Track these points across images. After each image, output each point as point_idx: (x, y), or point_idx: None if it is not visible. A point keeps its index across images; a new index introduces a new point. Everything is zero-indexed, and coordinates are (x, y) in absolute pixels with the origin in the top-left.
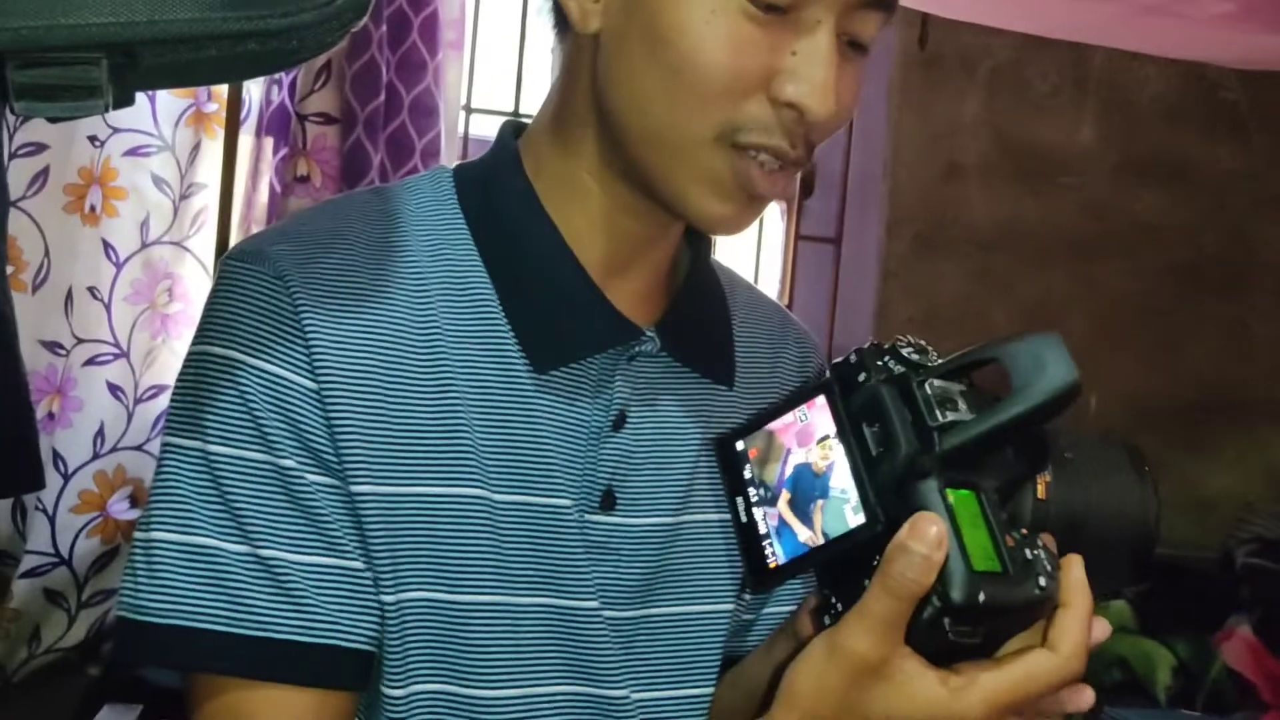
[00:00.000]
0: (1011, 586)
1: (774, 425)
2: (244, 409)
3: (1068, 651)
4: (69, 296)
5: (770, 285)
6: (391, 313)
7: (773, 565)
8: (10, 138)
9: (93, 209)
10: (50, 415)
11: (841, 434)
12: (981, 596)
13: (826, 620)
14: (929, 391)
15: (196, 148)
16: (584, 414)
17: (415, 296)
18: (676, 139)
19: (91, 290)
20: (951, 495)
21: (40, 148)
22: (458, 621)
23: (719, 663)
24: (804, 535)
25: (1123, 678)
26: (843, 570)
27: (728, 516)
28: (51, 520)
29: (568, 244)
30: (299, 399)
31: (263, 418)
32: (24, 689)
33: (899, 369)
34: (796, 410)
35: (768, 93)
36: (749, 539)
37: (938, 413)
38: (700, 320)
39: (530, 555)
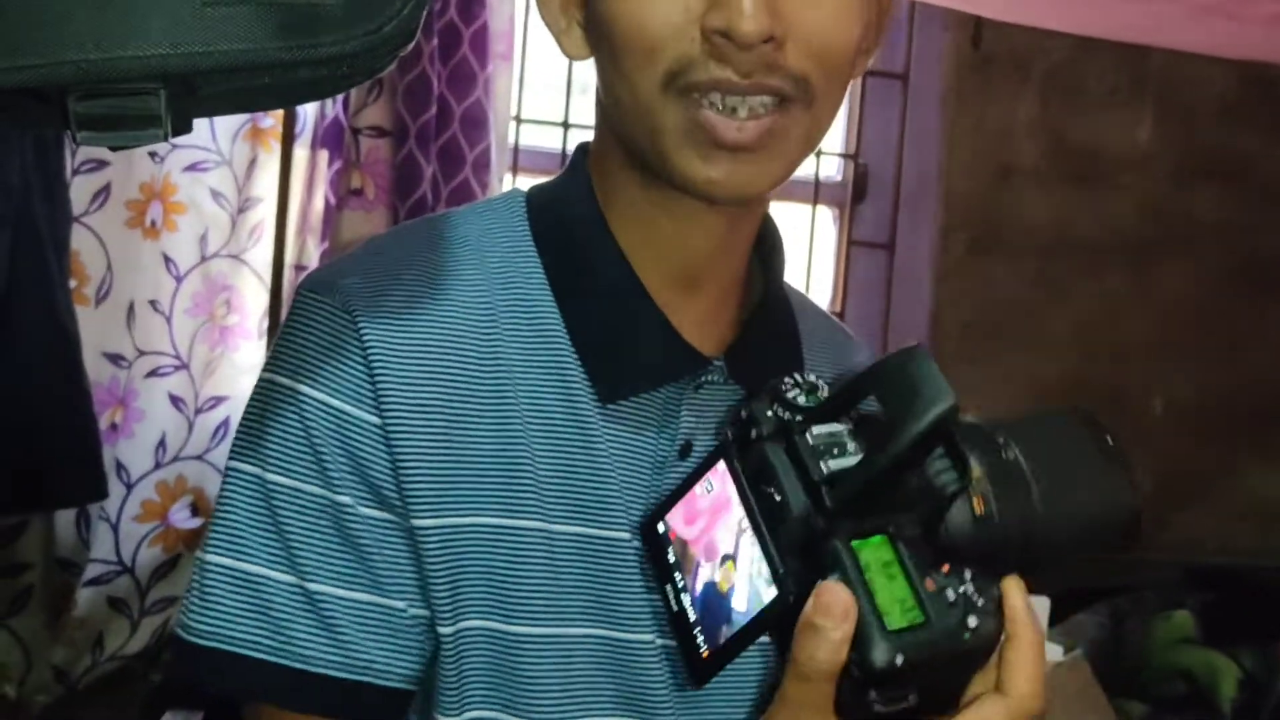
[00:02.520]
0: (937, 637)
1: (686, 500)
2: (305, 441)
3: (1021, 691)
4: (131, 310)
5: (823, 291)
6: (458, 343)
7: (705, 654)
8: (73, 155)
9: (153, 224)
10: (113, 426)
11: (744, 501)
12: (900, 659)
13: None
14: (810, 441)
15: (253, 162)
16: (649, 444)
17: (482, 325)
18: (637, 106)
19: (152, 303)
20: (859, 547)
21: (101, 164)
22: (513, 652)
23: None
24: (729, 617)
25: (1186, 690)
26: (784, 642)
27: None
28: (115, 529)
29: (634, 269)
30: (362, 434)
31: (323, 451)
32: (88, 696)
33: (785, 416)
34: (703, 480)
35: (701, 31)
36: (681, 629)
37: (821, 464)
38: (770, 346)
39: (586, 587)
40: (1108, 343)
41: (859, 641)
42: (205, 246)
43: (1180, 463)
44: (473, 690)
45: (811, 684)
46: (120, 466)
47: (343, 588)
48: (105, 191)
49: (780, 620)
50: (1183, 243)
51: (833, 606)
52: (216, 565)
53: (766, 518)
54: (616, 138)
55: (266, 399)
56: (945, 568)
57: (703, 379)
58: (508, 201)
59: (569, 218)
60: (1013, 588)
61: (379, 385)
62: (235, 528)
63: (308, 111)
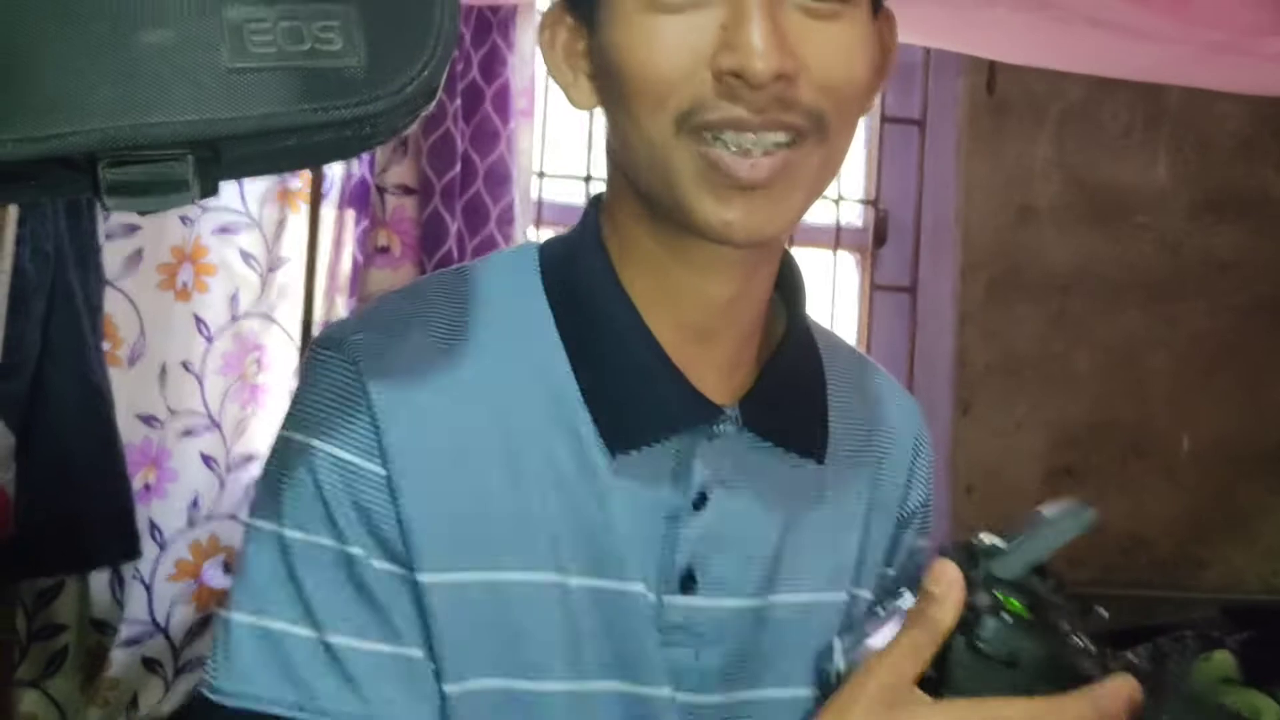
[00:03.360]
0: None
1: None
2: (317, 494)
3: (1104, 705)
4: (163, 371)
5: (847, 336)
6: (466, 396)
7: None
8: (105, 221)
9: (184, 286)
10: (146, 486)
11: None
12: (1027, 583)
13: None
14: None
15: (282, 223)
16: (662, 495)
17: (491, 378)
18: (649, 150)
19: (184, 364)
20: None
21: (133, 229)
22: (530, 710)
23: None
24: None
25: None
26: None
27: (817, 597)
28: (149, 589)
29: (644, 320)
30: (368, 485)
31: (333, 504)
32: None
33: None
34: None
35: (712, 73)
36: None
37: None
38: (791, 392)
39: (603, 640)
40: (1131, 381)
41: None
42: (236, 306)
43: (1212, 501)
44: None
45: (921, 633)
46: (154, 526)
47: (361, 640)
48: (138, 255)
49: None
50: (1203, 279)
51: (943, 573)
52: (239, 623)
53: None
54: (629, 186)
55: (281, 456)
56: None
57: (716, 428)
58: (521, 255)
59: (580, 270)
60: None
61: (384, 436)
62: (255, 585)
63: (335, 172)
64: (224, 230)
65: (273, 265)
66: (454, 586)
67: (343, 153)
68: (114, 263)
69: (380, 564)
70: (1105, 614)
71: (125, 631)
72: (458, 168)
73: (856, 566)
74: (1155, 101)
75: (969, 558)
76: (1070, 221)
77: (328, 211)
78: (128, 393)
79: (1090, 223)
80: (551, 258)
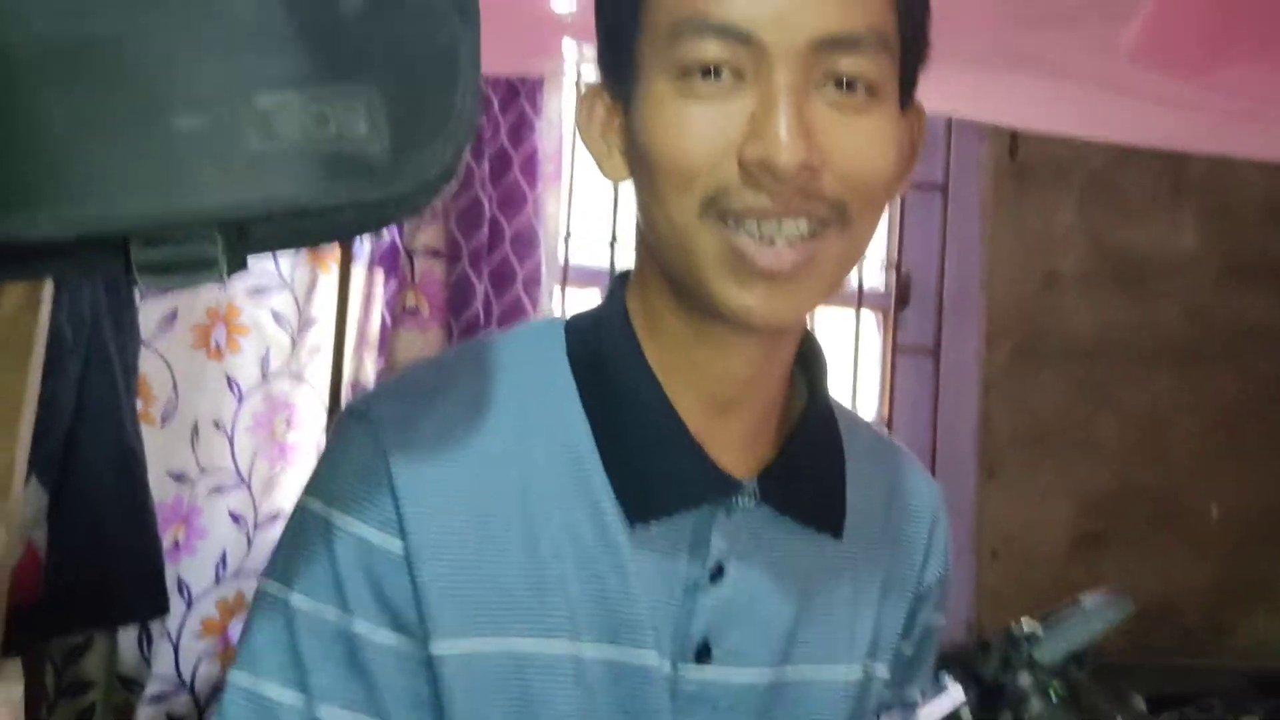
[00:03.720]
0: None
1: None
2: (330, 566)
3: None
4: (195, 429)
5: (869, 397)
6: (488, 466)
7: None
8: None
9: (217, 345)
10: (176, 544)
11: None
12: (1066, 669)
13: None
14: None
15: (313, 284)
16: (680, 567)
17: (514, 448)
18: (674, 231)
19: (215, 422)
20: None
21: (169, 290)
22: None
23: None
24: None
25: None
26: None
27: (830, 670)
28: (175, 646)
29: (667, 395)
30: (384, 560)
31: (346, 577)
32: None
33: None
34: None
35: (739, 161)
36: None
37: None
38: (809, 467)
39: (617, 709)
40: (1158, 449)
41: None
42: (267, 366)
43: (1240, 569)
44: None
45: None
46: (181, 584)
47: (349, 712)
48: (172, 316)
49: None
50: (1229, 345)
51: None
52: (237, 685)
53: None
54: (655, 264)
55: (299, 523)
56: None
57: (735, 502)
58: (547, 329)
59: (605, 343)
60: None
61: (404, 512)
62: (257, 648)
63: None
64: (257, 292)
65: (303, 326)
66: (469, 656)
67: (365, 228)
68: (149, 323)
69: (386, 636)
70: (1142, 702)
71: (152, 688)
72: (485, 231)
73: (872, 641)
74: (1180, 168)
75: (1011, 642)
76: (1095, 288)
77: (358, 272)
78: (160, 450)
79: (1115, 289)
80: (577, 331)
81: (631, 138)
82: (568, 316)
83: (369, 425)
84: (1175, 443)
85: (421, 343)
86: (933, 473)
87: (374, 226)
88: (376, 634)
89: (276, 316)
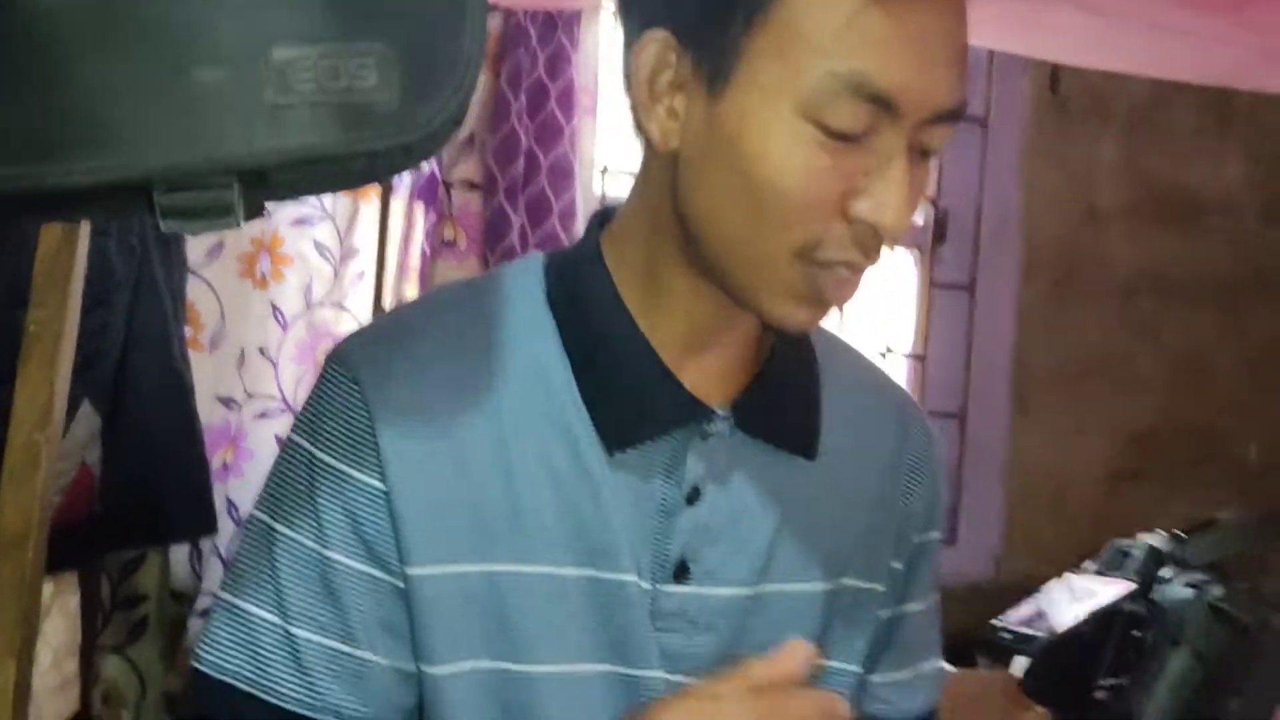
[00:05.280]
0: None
1: None
2: (310, 498)
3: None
4: (242, 356)
5: (905, 333)
6: (465, 399)
7: None
8: None
9: (263, 275)
10: (224, 465)
11: None
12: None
13: None
14: None
15: (354, 215)
16: (655, 490)
17: (491, 386)
18: (757, 254)
19: (261, 349)
20: None
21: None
22: (524, 690)
23: None
24: None
25: None
26: None
27: (809, 587)
28: (225, 564)
29: (642, 330)
30: (361, 494)
31: (324, 509)
32: None
33: None
34: None
35: (843, 212)
36: None
37: None
38: (782, 394)
39: (597, 626)
40: (1197, 386)
41: None
42: (310, 296)
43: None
44: None
45: None
46: (230, 504)
47: (320, 635)
48: (219, 246)
49: None
50: (1274, 282)
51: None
52: (222, 601)
53: None
54: (675, 238)
55: (286, 456)
56: None
57: (709, 429)
58: (525, 267)
59: (580, 283)
60: None
61: (384, 452)
62: (241, 568)
63: None
64: (300, 222)
65: (345, 256)
66: (447, 576)
67: (376, 176)
68: (196, 252)
69: (359, 565)
70: None
71: (202, 602)
72: (521, 163)
73: (848, 556)
74: (1225, 102)
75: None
76: (1137, 223)
77: (398, 205)
78: (209, 375)
79: (1157, 224)
80: (554, 269)
81: (720, 132)
82: (545, 256)
83: (349, 366)
84: (1215, 380)
85: (459, 274)
86: (966, 409)
87: (385, 174)
88: (351, 564)
89: (319, 247)
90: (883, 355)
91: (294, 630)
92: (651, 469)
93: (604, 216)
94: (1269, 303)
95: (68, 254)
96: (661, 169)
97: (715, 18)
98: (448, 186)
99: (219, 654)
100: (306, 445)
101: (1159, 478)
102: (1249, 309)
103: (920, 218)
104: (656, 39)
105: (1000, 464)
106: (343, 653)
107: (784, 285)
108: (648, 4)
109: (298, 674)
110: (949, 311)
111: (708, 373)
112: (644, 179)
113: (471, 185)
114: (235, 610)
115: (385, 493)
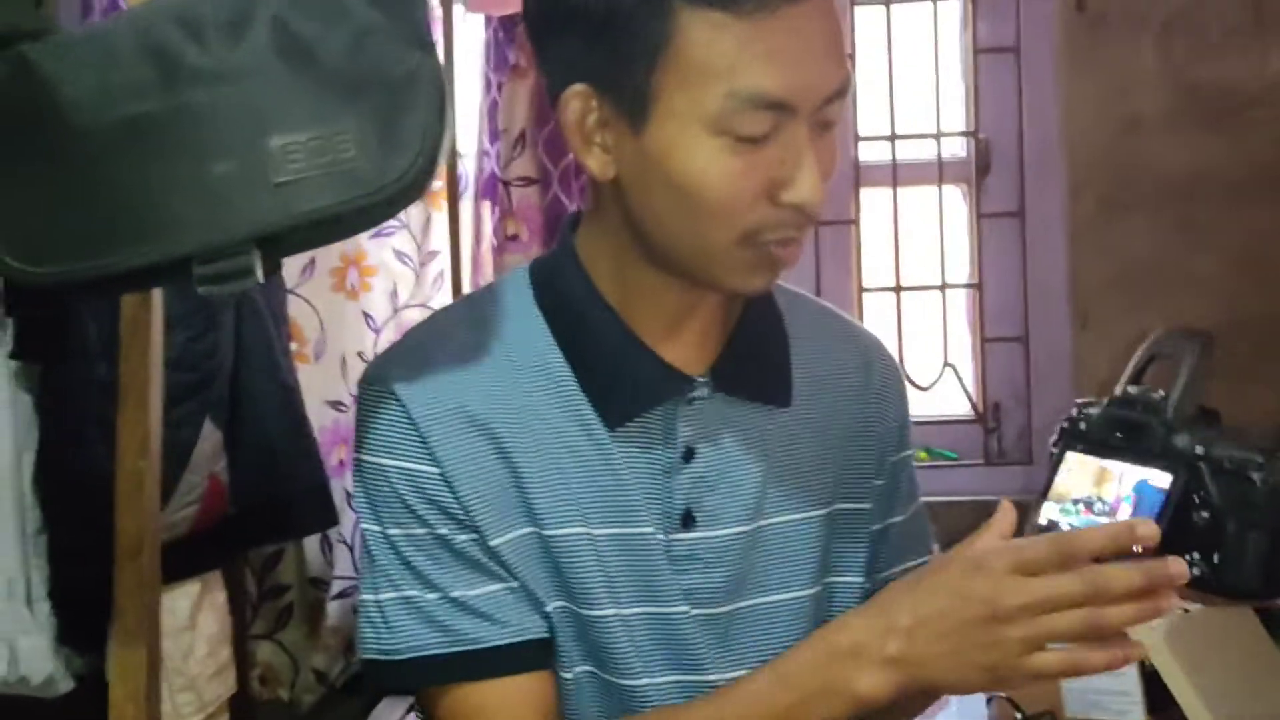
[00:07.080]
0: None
1: None
2: (397, 498)
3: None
4: (343, 361)
5: (958, 267)
6: (486, 398)
7: None
8: None
9: (352, 286)
10: (340, 462)
11: None
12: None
13: None
14: None
15: (428, 221)
16: (656, 455)
17: (509, 383)
18: (706, 249)
19: (359, 354)
20: None
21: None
22: (589, 628)
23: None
24: None
25: None
26: None
27: (803, 516)
28: (351, 549)
29: (623, 318)
30: (430, 482)
31: (413, 503)
32: (344, 693)
33: None
34: None
35: (771, 200)
36: None
37: None
38: (753, 353)
39: (629, 574)
40: (1258, 281)
41: None
42: (396, 300)
43: None
44: (569, 653)
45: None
46: (349, 495)
47: (472, 589)
48: (311, 264)
49: None
50: None
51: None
52: (384, 600)
53: None
54: (638, 236)
55: (362, 474)
56: None
57: (692, 395)
58: (515, 279)
59: (563, 284)
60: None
61: (430, 445)
62: (385, 571)
63: (468, 170)
64: (379, 235)
65: (424, 260)
66: (514, 541)
67: (367, 227)
68: (291, 272)
69: (462, 535)
70: None
71: (336, 586)
72: (570, 156)
73: (835, 484)
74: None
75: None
76: (1180, 127)
77: (465, 208)
78: (318, 383)
79: (1202, 125)
80: (540, 279)
81: (650, 159)
82: (529, 266)
83: (384, 385)
84: (1275, 273)
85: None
86: (1026, 332)
87: (374, 224)
88: (457, 535)
89: (399, 254)
90: (940, 290)
91: (455, 594)
92: (650, 437)
93: (575, 221)
94: None
95: (144, 315)
96: (609, 190)
97: (623, 65)
98: (506, 185)
99: (404, 639)
100: (371, 459)
101: (1226, 373)
102: None
103: (963, 150)
104: (578, 93)
105: (1067, 380)
106: (500, 590)
107: (736, 265)
108: (566, 64)
109: (482, 619)
110: (1001, 240)
111: (686, 346)
112: (595, 198)
113: (528, 181)
114: (399, 600)
115: (444, 477)
